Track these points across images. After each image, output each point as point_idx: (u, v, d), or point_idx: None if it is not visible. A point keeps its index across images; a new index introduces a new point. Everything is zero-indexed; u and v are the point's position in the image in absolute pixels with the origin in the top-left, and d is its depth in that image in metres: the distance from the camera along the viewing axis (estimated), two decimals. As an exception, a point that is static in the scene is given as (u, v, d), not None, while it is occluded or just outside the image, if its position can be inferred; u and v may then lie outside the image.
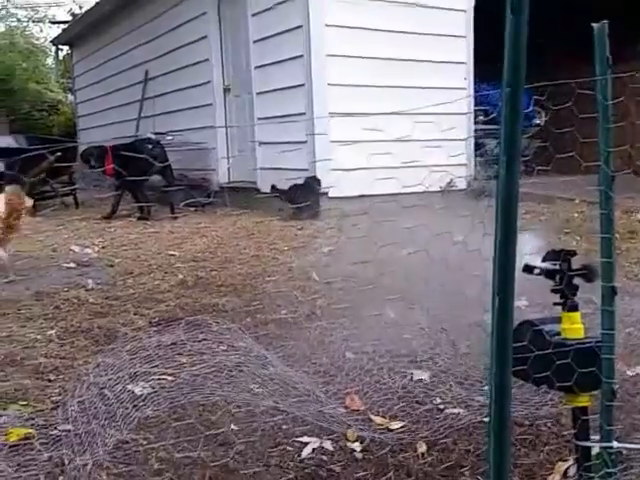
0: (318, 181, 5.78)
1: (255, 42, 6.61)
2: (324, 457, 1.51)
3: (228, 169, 7.56)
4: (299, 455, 1.52)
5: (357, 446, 1.55)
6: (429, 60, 6.29)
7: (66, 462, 1.46)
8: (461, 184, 6.20)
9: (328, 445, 1.56)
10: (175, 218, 5.99)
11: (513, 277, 0.81)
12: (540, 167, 2.31)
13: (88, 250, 4.21)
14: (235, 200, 6.60)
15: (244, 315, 2.68)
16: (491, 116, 6.48)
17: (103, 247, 4.39)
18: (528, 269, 1.04)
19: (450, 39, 6.48)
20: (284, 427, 1.66)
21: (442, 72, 6.36)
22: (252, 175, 6.84)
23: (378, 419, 1.68)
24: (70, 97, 21.29)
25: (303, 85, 5.89)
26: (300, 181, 5.77)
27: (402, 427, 1.62)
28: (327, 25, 5.82)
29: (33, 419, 1.72)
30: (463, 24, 6.55)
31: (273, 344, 2.30)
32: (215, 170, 7.50)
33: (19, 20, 29.35)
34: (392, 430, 1.62)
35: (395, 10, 6.13)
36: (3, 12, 28.41)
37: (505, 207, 0.80)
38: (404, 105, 5.85)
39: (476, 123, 6.78)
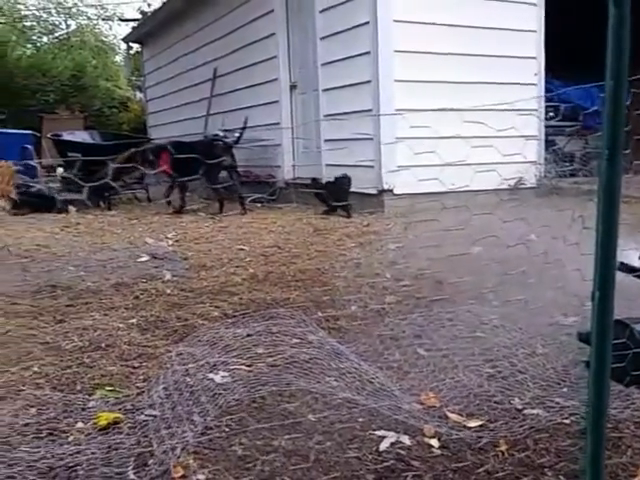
0: (349, 179, 5.80)
1: (322, 39, 6.65)
2: (402, 451, 1.53)
3: (293, 166, 7.63)
4: (377, 448, 1.54)
5: (435, 442, 1.56)
6: (499, 55, 6.18)
7: (154, 446, 1.53)
8: (531, 182, 6.08)
9: (406, 440, 1.57)
10: (244, 213, 6.09)
11: (613, 273, 0.81)
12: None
13: (162, 243, 4.35)
14: (300, 196, 6.67)
15: (314, 310, 2.71)
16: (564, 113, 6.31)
17: (176, 241, 4.52)
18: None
19: (520, 34, 6.35)
20: (360, 420, 1.68)
21: (512, 67, 6.25)
22: (317, 171, 6.88)
23: (455, 416, 1.68)
24: (139, 94, 21.94)
25: (370, 82, 5.89)
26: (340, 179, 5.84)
27: (480, 425, 1.62)
28: (395, 21, 5.80)
29: (120, 404, 1.81)
30: (534, 18, 6.41)
31: (345, 338, 2.33)
32: (281, 166, 7.59)
33: (89, 18, 30.42)
34: (470, 428, 1.62)
35: (465, 5, 6.05)
36: (74, 10, 29.53)
37: (607, 201, 0.80)
38: (473, 101, 5.80)
39: (546, 120, 6.63)
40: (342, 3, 6.22)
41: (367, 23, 5.81)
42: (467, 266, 3.15)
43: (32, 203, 6.24)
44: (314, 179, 6.14)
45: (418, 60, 5.88)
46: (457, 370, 1.94)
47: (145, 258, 3.83)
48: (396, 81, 5.78)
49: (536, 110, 6.25)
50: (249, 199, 6.42)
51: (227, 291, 3.07)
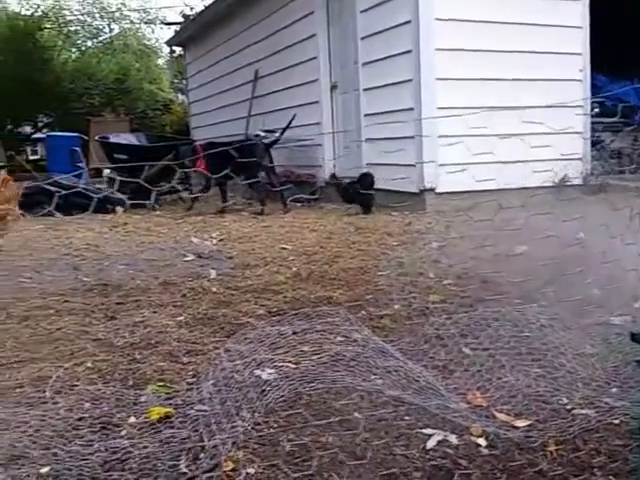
0: (371, 177, 5.82)
1: (363, 39, 6.66)
2: (449, 450, 1.53)
3: (334, 165, 7.66)
4: (424, 447, 1.54)
5: (482, 441, 1.56)
6: (543, 52, 6.10)
7: (205, 440, 1.56)
8: (576, 179, 5.97)
9: (453, 439, 1.57)
10: (286, 212, 6.14)
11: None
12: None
13: (207, 243, 4.43)
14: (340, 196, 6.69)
15: (358, 308, 2.73)
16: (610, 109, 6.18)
17: (220, 240, 4.59)
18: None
19: (565, 30, 6.26)
20: (407, 418, 1.69)
21: (556, 64, 6.17)
22: (357, 171, 6.89)
23: (502, 416, 1.67)
24: (181, 97, 22.30)
25: (411, 80, 5.88)
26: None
27: (528, 425, 1.61)
28: (436, 19, 5.77)
29: (171, 399, 1.85)
30: (579, 14, 6.30)
31: (389, 337, 2.33)
32: (321, 166, 7.62)
33: (132, 22, 31.06)
34: (518, 428, 1.61)
35: (507, 1, 5.99)
36: (117, 14, 30.17)
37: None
38: (515, 98, 5.75)
39: (592, 116, 6.50)
40: (383, 2, 6.22)
41: (408, 22, 5.81)
42: (513, 265, 3.13)
43: (80, 204, 6.40)
44: (333, 175, 6.14)
45: (460, 58, 5.85)
46: (504, 370, 1.93)
47: (191, 257, 3.90)
48: (438, 79, 5.76)
49: (581, 107, 6.15)
50: (290, 198, 6.47)
51: (271, 289, 3.10)
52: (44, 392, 1.88)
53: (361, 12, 6.63)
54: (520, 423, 1.63)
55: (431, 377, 1.88)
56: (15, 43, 16.77)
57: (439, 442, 1.56)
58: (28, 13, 20.56)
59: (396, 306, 2.73)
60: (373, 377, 1.91)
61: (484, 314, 2.39)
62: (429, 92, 5.75)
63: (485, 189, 4.50)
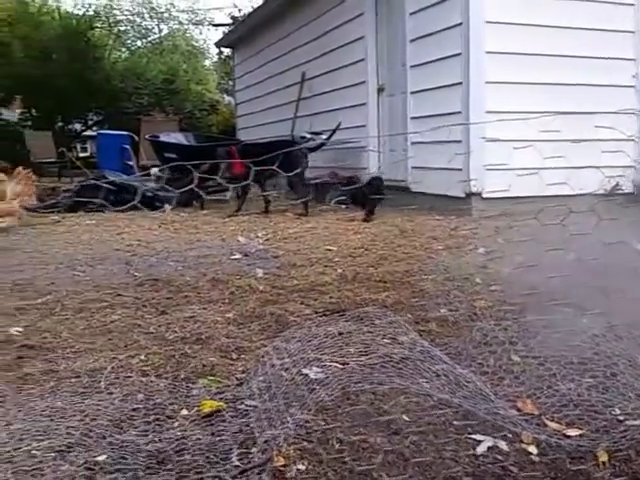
0: (380, 181, 5.82)
1: (411, 41, 6.64)
2: (499, 456, 1.52)
3: (379, 168, 7.65)
4: (474, 452, 1.54)
5: (533, 449, 1.54)
6: (595, 57, 6.00)
7: (256, 435, 1.59)
8: (628, 188, 5.84)
9: (503, 445, 1.56)
10: (305, 215, 6.13)
11: None
12: None
13: (253, 242, 4.48)
14: (386, 199, 6.68)
15: (403, 311, 2.73)
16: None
17: (266, 239, 4.64)
18: None
19: (618, 35, 6.14)
20: (455, 423, 1.68)
21: (608, 69, 6.05)
22: (403, 174, 6.88)
23: (553, 424, 1.66)
24: (227, 98, 22.60)
25: (460, 83, 5.84)
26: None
27: (580, 435, 1.59)
28: (487, 22, 5.72)
29: (221, 393, 1.89)
30: (631, 19, 6.18)
31: (436, 341, 2.33)
32: (367, 168, 7.62)
33: (180, 23, 31.64)
34: (569, 437, 1.59)
35: (560, 5, 5.90)
36: (166, 15, 30.75)
37: None
38: (567, 103, 5.65)
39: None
40: (433, 5, 6.19)
41: (459, 25, 5.77)
42: (562, 272, 3.08)
43: (130, 201, 6.55)
44: (350, 178, 6.10)
45: (510, 61, 5.79)
46: (555, 378, 1.90)
47: (238, 255, 3.96)
48: (487, 83, 5.71)
49: (634, 114, 6.01)
50: (333, 200, 6.49)
51: (317, 290, 3.12)
52: (99, 382, 1.93)
53: (410, 14, 6.62)
54: (571, 432, 1.61)
55: (480, 383, 1.87)
56: (67, 42, 17.23)
57: (489, 448, 1.55)
58: (80, 12, 21.13)
59: (442, 310, 2.72)
60: (421, 380, 1.91)
61: (534, 321, 2.36)
62: (478, 95, 5.71)
63: (534, 195, 4.44)
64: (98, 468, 1.44)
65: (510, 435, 1.61)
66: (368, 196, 5.74)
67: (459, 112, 5.85)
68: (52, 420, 1.68)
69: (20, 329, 2.45)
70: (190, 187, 5.71)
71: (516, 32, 5.77)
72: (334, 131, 6.96)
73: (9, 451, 1.51)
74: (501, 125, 5.52)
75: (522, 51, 5.79)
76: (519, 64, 5.80)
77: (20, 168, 4.92)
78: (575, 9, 5.93)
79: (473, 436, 1.61)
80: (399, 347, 2.20)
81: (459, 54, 5.81)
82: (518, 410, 1.74)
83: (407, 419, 1.70)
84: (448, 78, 5.99)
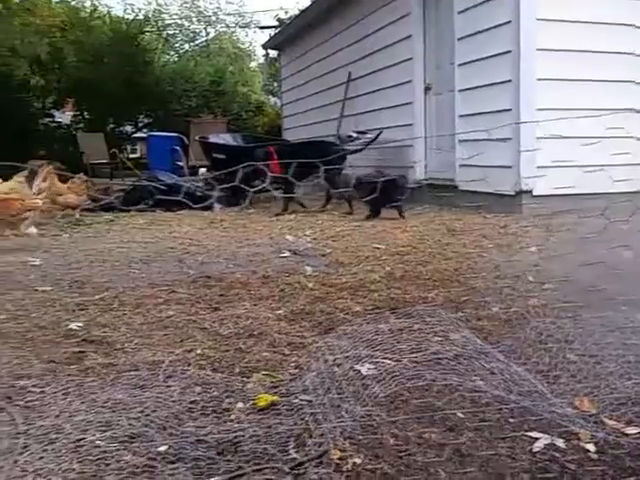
0: (405, 179, 5.80)
1: (460, 39, 6.59)
2: (556, 454, 1.51)
3: (425, 166, 7.62)
4: (530, 449, 1.53)
5: (591, 447, 1.52)
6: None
7: (312, 428, 1.62)
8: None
9: (560, 443, 1.55)
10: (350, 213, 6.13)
11: None
12: None
13: (301, 240, 4.52)
14: (433, 197, 6.65)
15: (454, 309, 2.71)
16: None
17: (314, 238, 4.67)
18: None
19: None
20: (511, 420, 1.67)
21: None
22: (450, 172, 6.83)
23: (611, 422, 1.63)
24: (272, 99, 22.80)
25: (510, 81, 5.76)
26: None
27: (639, 432, 1.57)
28: (538, 19, 5.64)
29: (275, 388, 1.92)
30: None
31: (488, 339, 2.31)
32: (413, 167, 7.59)
33: (227, 26, 32.05)
34: (628, 435, 1.56)
35: (608, 2, 5.78)
36: (213, 18, 31.18)
37: None
38: (618, 101, 5.51)
39: None
40: (482, 3, 6.14)
41: (509, 22, 5.70)
42: (617, 271, 3.02)
43: (180, 200, 6.69)
44: (358, 179, 6.05)
45: (561, 59, 5.69)
46: (612, 377, 1.87)
47: (286, 254, 4.00)
48: (538, 80, 5.62)
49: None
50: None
51: (366, 288, 3.13)
52: (158, 375, 1.99)
53: (459, 13, 6.57)
54: (631, 430, 1.58)
55: (536, 381, 1.85)
56: (118, 46, 17.68)
57: (546, 445, 1.54)
58: (130, 17, 21.63)
59: (494, 309, 2.69)
60: (474, 378, 1.90)
61: (589, 320, 2.32)
62: (528, 93, 5.62)
63: (584, 193, 4.37)
64: (160, 458, 1.49)
65: (567, 433, 1.59)
66: (390, 194, 5.63)
67: (509, 109, 5.77)
68: (114, 412, 1.73)
69: (80, 324, 2.53)
70: (237, 186, 5.80)
71: (568, 29, 5.66)
72: (373, 140, 6.97)
73: (74, 441, 1.57)
74: (552, 123, 5.44)
75: (574, 48, 5.68)
76: (571, 61, 5.69)
77: (45, 165, 5.10)
78: (624, 5, 5.80)
79: (529, 433, 1.60)
80: (451, 345, 2.20)
81: (509, 51, 5.74)
82: (575, 408, 1.72)
83: (462, 416, 1.70)
84: (498, 75, 5.92)
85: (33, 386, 1.93)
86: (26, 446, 1.55)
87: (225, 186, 6.65)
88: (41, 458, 1.50)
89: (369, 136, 8.13)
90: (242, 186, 3.02)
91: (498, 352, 2.11)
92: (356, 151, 7.00)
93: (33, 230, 4.41)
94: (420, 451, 1.52)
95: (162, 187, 6.59)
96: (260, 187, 7.02)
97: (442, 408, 1.75)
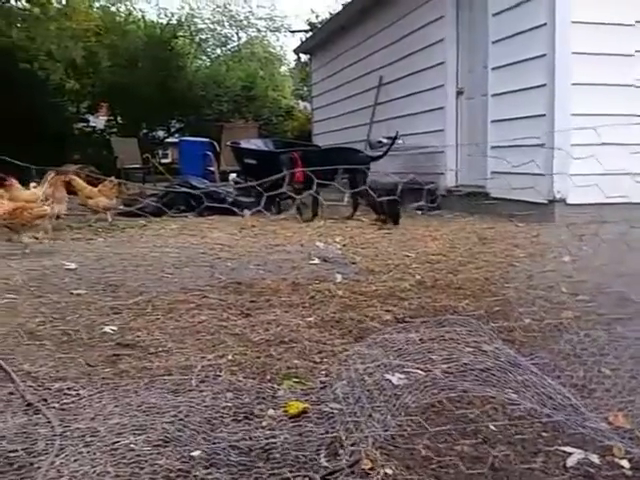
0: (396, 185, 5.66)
1: (494, 43, 6.54)
2: (590, 469, 1.49)
3: (456, 173, 7.57)
4: (564, 464, 1.51)
5: (626, 463, 1.50)
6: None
7: (343, 437, 1.62)
8: None
9: (594, 458, 1.53)
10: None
11: None
12: None
13: (331, 247, 4.53)
14: (463, 204, 6.60)
15: (485, 320, 2.69)
16: None
17: (344, 245, 4.68)
18: None
19: None
20: (544, 434, 1.66)
21: None
22: (482, 179, 6.77)
23: (647, 439, 1.60)
24: (302, 103, 22.87)
25: (544, 85, 5.70)
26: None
27: (676, 450, 1.54)
28: (573, 22, 5.58)
29: (306, 395, 1.92)
30: None
31: (521, 351, 2.29)
32: (443, 173, 7.55)
33: (258, 30, 32.26)
34: (664, 452, 1.54)
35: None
36: (245, 22, 31.42)
37: None
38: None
39: None
40: (517, 5, 6.09)
41: (544, 25, 5.65)
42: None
43: (211, 206, 6.76)
44: (370, 186, 5.99)
45: (597, 63, 5.60)
46: (649, 392, 1.84)
47: (316, 260, 4.01)
48: (573, 84, 5.55)
49: None
50: (409, 206, 6.46)
51: (396, 296, 3.12)
52: (190, 380, 2.01)
53: (493, 15, 6.52)
54: (667, 448, 1.55)
55: (570, 395, 1.83)
56: (152, 50, 17.92)
57: (580, 461, 1.52)
58: (164, 22, 21.91)
59: (527, 320, 2.66)
60: (507, 390, 1.89)
61: (625, 333, 2.29)
62: (563, 98, 5.56)
63: (623, 202, 4.29)
64: (194, 463, 1.51)
65: (601, 448, 1.57)
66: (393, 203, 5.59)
67: (543, 115, 5.71)
68: (148, 415, 1.76)
69: (114, 327, 2.57)
70: (268, 192, 5.85)
71: (604, 32, 5.58)
72: (393, 142, 6.95)
73: (109, 444, 1.60)
74: (587, 128, 5.36)
75: (610, 51, 5.60)
76: (607, 65, 5.60)
77: (53, 172, 5.18)
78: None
79: (563, 448, 1.58)
80: (484, 356, 2.18)
81: (544, 55, 5.68)
82: (609, 423, 1.70)
83: (494, 428, 1.69)
84: (532, 80, 5.87)
85: (68, 389, 1.97)
86: (62, 448, 1.58)
87: (254, 185, 6.71)
88: (76, 460, 1.52)
89: (399, 142, 8.12)
90: (272, 192, 3.04)
91: (531, 364, 2.09)
92: (378, 157, 6.99)
93: (26, 239, 4.49)
94: (452, 463, 1.51)
95: (194, 192, 6.66)
96: (288, 194, 7.09)
97: (475, 420, 1.74)
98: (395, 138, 6.99)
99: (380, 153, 7.08)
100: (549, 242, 4.55)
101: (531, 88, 5.90)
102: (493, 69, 6.59)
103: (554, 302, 2.92)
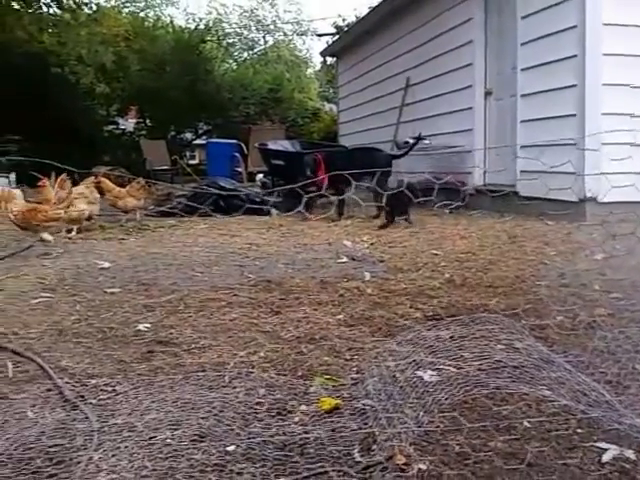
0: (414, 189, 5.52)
1: (523, 44, 6.50)
2: (626, 465, 1.47)
3: (484, 172, 7.51)
4: (599, 460, 1.50)
5: (663, 460, 1.48)
6: None
7: (376, 432, 1.63)
8: None
9: (630, 454, 1.51)
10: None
11: None
12: None
13: (358, 246, 4.53)
14: (492, 204, 6.55)
15: (516, 317, 2.67)
16: None
17: (371, 243, 4.68)
18: None
19: None
20: (579, 431, 1.64)
21: None
22: (510, 179, 6.72)
23: (684, 436, 1.58)
24: (327, 105, 22.91)
25: (575, 86, 5.65)
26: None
27: None
28: (605, 24, 5.51)
29: (337, 392, 1.93)
30: None
31: (553, 348, 2.27)
32: (471, 173, 7.50)
33: (285, 34, 32.41)
34: (703, 449, 1.51)
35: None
36: (272, 26, 31.61)
37: None
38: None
39: None
40: (547, 8, 6.05)
41: (574, 27, 5.61)
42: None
43: (240, 206, 6.82)
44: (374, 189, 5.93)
45: (628, 63, 5.53)
46: (685, 389, 1.81)
47: (344, 259, 4.02)
48: (604, 85, 5.49)
49: None
50: (437, 205, 6.42)
51: (425, 294, 3.12)
52: (224, 377, 2.04)
53: (522, 18, 6.50)
54: None
55: (604, 391, 1.81)
56: (180, 55, 18.12)
57: (615, 457, 1.51)
58: (192, 27, 22.13)
59: (559, 317, 2.64)
60: (541, 387, 1.88)
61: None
62: (594, 98, 5.50)
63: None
64: (229, 457, 1.53)
65: (637, 444, 1.55)
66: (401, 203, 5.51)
67: (573, 115, 5.65)
68: (183, 411, 1.78)
69: (148, 325, 2.61)
70: (294, 192, 5.87)
71: (635, 33, 5.52)
72: (416, 142, 6.93)
73: (146, 439, 1.63)
74: (619, 128, 5.29)
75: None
76: (637, 66, 5.53)
77: (63, 176, 5.26)
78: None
79: (598, 444, 1.57)
80: (516, 353, 2.17)
81: (574, 56, 5.64)
82: (645, 421, 1.68)
83: (528, 425, 1.68)
84: (562, 80, 5.82)
85: (105, 385, 2.01)
86: (100, 443, 1.61)
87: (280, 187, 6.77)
88: (114, 455, 1.55)
89: (426, 142, 8.09)
90: (299, 191, 3.05)
91: (565, 361, 2.07)
92: (400, 156, 6.99)
93: (48, 237, 4.60)
94: (486, 459, 1.51)
95: (222, 193, 6.72)
96: (313, 194, 7.09)
97: (508, 417, 1.73)
98: (418, 138, 6.97)
99: (401, 152, 7.08)
100: (581, 240, 4.49)
101: (561, 88, 5.85)
102: (522, 70, 6.54)
103: (587, 300, 2.89)
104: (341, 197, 6.37)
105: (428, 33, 8.59)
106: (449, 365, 2.10)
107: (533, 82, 6.34)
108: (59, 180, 5.09)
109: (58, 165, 2.98)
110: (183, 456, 1.54)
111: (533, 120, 6.37)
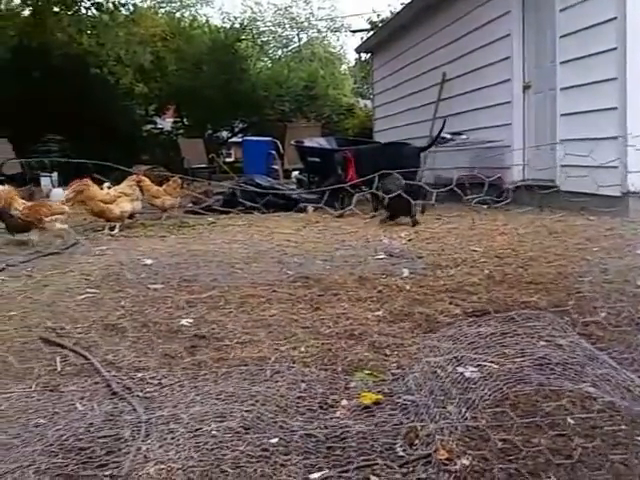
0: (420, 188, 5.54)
1: (562, 37, 6.40)
2: (672, 463, 1.45)
3: (523, 167, 7.42)
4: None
5: None
6: None
7: (418, 427, 1.63)
8: None
9: (676, 453, 1.49)
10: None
11: None
12: None
13: (396, 242, 4.53)
14: (531, 199, 6.47)
15: (559, 314, 2.63)
16: None
17: (409, 240, 4.66)
18: None
19: None
20: (624, 428, 1.63)
21: None
22: (550, 173, 6.61)
23: None
24: (361, 101, 22.85)
25: (615, 79, 5.54)
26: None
27: None
28: (645, 15, 5.39)
29: (378, 387, 1.95)
30: None
31: (597, 345, 2.24)
32: (510, 168, 7.41)
33: (319, 31, 32.41)
34: None
35: None
36: (306, 24, 31.64)
37: None
38: None
39: None
40: (585, 0, 5.94)
41: (614, 19, 5.49)
42: None
43: (276, 203, 6.87)
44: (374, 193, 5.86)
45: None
46: None
47: (382, 255, 4.02)
48: (645, 77, 5.36)
49: None
50: (475, 201, 6.36)
51: (465, 290, 3.10)
52: (265, 371, 2.07)
53: (560, 10, 6.39)
54: None
55: (650, 389, 1.78)
56: (216, 54, 18.32)
57: (660, 455, 1.49)
58: (227, 26, 22.32)
59: (602, 314, 2.60)
60: (585, 384, 1.86)
61: None
62: (636, 91, 5.37)
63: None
64: (273, 449, 1.55)
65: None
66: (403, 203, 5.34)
67: (615, 108, 5.53)
68: (227, 404, 1.82)
69: (190, 320, 2.66)
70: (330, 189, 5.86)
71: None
72: (440, 132, 6.89)
73: (192, 431, 1.66)
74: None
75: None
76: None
77: (77, 181, 5.44)
78: None
79: (644, 442, 1.55)
80: (558, 350, 2.14)
81: (615, 48, 5.52)
82: (692, 418, 1.65)
83: (572, 422, 1.67)
84: (603, 73, 5.71)
85: (151, 378, 2.06)
86: (147, 435, 1.65)
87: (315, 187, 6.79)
88: (161, 446, 1.59)
89: (463, 137, 8.02)
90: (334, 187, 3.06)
91: (609, 358, 2.04)
92: (426, 148, 6.99)
93: (59, 225, 4.87)
94: (529, 455, 1.51)
95: (259, 190, 6.77)
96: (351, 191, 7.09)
97: (551, 413, 1.72)
98: (442, 127, 6.97)
99: (427, 145, 7.09)
100: (624, 236, 4.40)
101: (602, 81, 5.73)
102: (562, 63, 6.44)
103: (630, 296, 2.83)
104: (375, 193, 6.36)
105: (465, 27, 8.50)
106: (491, 361, 2.09)
107: (573, 75, 6.24)
108: (74, 185, 5.32)
109: (111, 165, 3.05)
110: (228, 447, 1.58)
111: (573, 114, 6.26)
